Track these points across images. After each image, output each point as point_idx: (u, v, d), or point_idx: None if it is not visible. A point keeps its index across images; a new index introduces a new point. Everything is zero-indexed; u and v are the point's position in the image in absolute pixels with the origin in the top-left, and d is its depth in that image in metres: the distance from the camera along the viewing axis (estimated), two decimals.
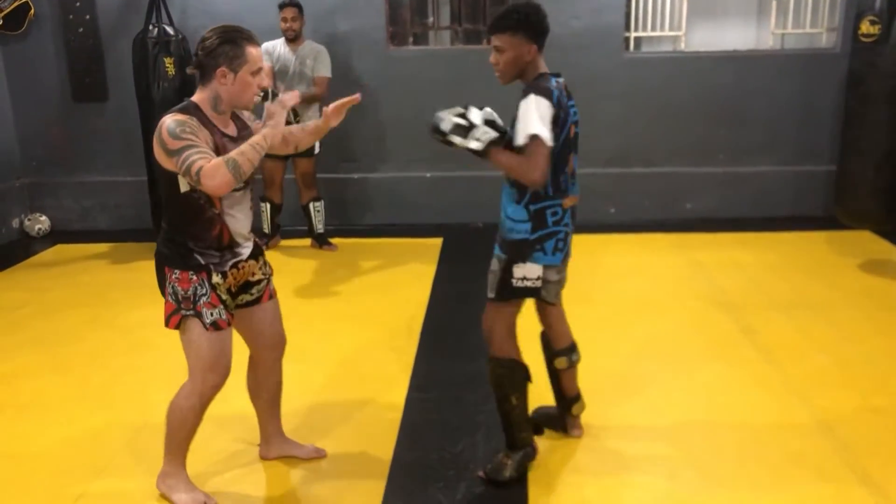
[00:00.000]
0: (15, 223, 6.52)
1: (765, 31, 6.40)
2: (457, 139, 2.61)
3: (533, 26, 2.66)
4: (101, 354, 4.10)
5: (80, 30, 6.25)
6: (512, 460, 2.84)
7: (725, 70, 6.24)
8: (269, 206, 5.86)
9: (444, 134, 2.63)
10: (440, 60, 6.32)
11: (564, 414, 3.15)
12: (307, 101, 5.50)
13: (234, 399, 3.14)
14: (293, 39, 5.61)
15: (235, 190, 2.58)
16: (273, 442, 3.07)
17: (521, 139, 2.56)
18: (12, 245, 6.31)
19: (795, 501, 2.73)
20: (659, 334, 4.20)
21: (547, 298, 2.85)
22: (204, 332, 2.59)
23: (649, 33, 6.41)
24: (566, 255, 2.82)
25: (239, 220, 2.66)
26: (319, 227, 5.93)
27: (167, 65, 5.56)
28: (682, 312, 4.49)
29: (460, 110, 2.64)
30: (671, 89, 6.28)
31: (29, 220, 6.56)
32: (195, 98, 2.56)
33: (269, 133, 2.51)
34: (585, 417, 3.31)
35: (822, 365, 3.76)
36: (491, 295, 2.82)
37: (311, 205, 5.86)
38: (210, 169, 2.36)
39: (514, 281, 2.75)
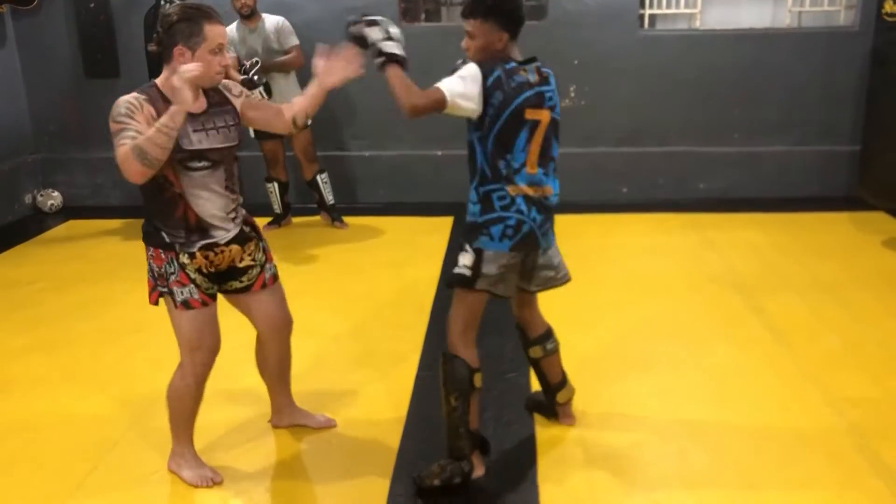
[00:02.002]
0: (27, 199, 6.54)
1: (781, 9, 6.30)
2: (375, 32, 2.56)
3: (506, 14, 2.56)
4: (113, 330, 4.12)
5: (92, 5, 6.23)
6: (443, 470, 2.68)
7: (741, 48, 6.16)
8: (276, 185, 5.84)
9: (366, 23, 2.57)
10: (452, 37, 6.23)
11: (552, 402, 3.07)
12: (279, 69, 5.42)
13: (245, 374, 3.16)
14: (249, 16, 5.42)
15: (196, 170, 2.52)
16: (284, 412, 3.10)
17: None
18: (25, 221, 6.34)
19: (806, 483, 2.72)
20: (671, 314, 4.18)
21: (493, 290, 2.66)
22: (177, 311, 2.61)
23: (664, 11, 6.32)
24: (522, 246, 2.66)
25: (206, 201, 2.57)
26: (330, 198, 5.89)
27: None
28: (695, 293, 4.46)
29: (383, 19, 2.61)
30: (686, 68, 6.20)
31: (41, 195, 6.58)
32: (158, 79, 2.54)
33: (175, 111, 2.35)
34: (596, 396, 3.31)
35: (835, 347, 3.74)
36: (450, 283, 2.72)
37: (317, 177, 5.81)
38: (121, 158, 2.35)
39: (454, 268, 2.66)
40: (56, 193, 6.62)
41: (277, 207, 5.92)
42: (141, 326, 4.05)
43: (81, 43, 6.34)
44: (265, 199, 5.88)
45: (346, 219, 5.97)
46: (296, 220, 6.07)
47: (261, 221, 5.77)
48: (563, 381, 3.05)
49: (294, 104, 2.75)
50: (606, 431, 3.07)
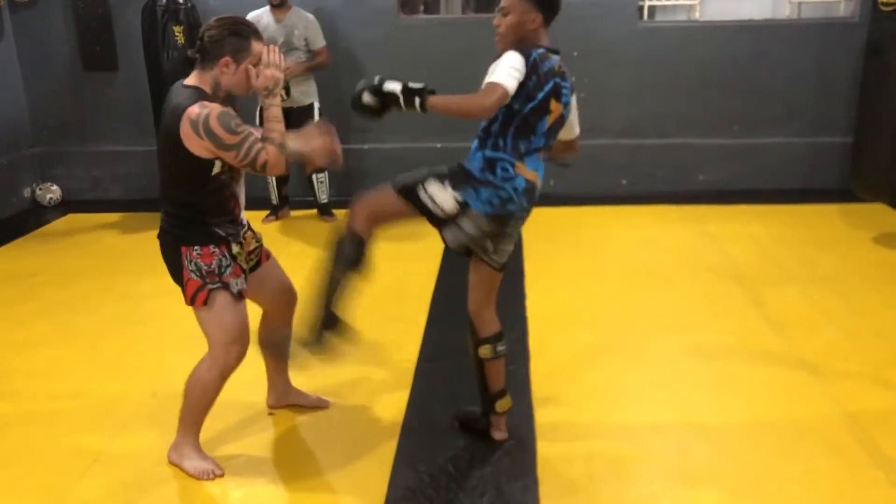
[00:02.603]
0: (26, 193, 6.54)
1: (781, 0, 6.29)
2: (392, 85, 2.48)
3: None
4: (113, 323, 4.13)
5: None
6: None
7: (740, 40, 6.15)
8: (274, 177, 5.84)
9: (375, 87, 2.49)
10: (451, 29, 6.26)
11: (489, 412, 2.93)
12: (304, 72, 5.43)
13: (243, 366, 3.16)
14: (278, 6, 5.43)
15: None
16: (280, 391, 3.18)
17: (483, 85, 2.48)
18: (24, 214, 6.34)
19: (804, 474, 2.73)
20: (670, 306, 4.18)
21: (446, 236, 2.65)
22: (230, 304, 2.65)
23: (664, 2, 6.31)
24: (498, 220, 2.61)
25: (242, 193, 2.77)
26: (323, 197, 5.90)
27: (176, 33, 5.51)
28: (693, 285, 4.47)
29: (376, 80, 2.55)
30: (685, 59, 6.19)
31: (40, 189, 6.57)
32: (196, 83, 2.59)
33: (272, 103, 2.61)
34: (594, 388, 3.32)
35: (833, 338, 3.75)
36: (397, 184, 2.68)
37: (313, 176, 5.82)
38: (273, 161, 2.54)
39: (421, 189, 2.61)
40: (55, 187, 6.61)
41: (275, 199, 5.93)
42: (141, 319, 4.06)
43: (79, 36, 6.32)
44: (263, 193, 5.88)
45: (343, 212, 5.94)
46: (294, 213, 6.07)
47: (259, 214, 5.83)
48: (504, 391, 2.91)
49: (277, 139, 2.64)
50: (605, 423, 3.08)
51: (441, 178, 2.62)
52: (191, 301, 2.66)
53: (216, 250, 2.63)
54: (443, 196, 2.60)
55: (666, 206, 5.99)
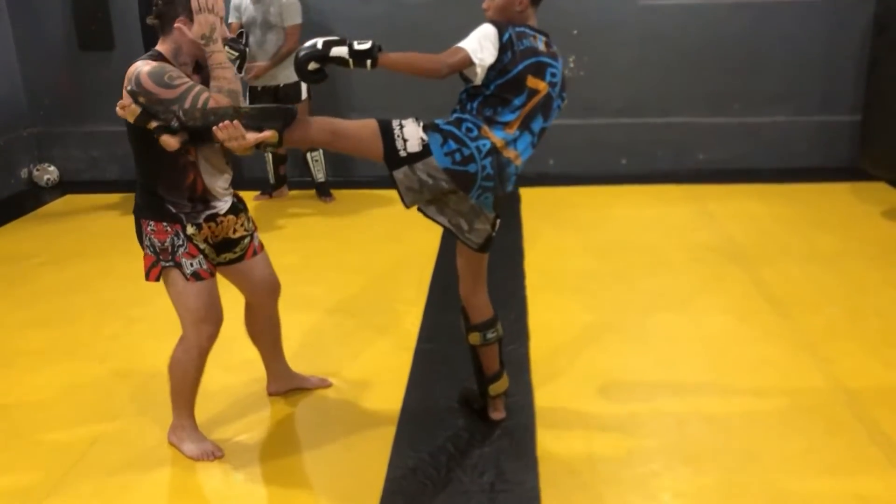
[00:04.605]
0: (23, 173, 6.51)
1: None
2: (338, 49, 2.39)
3: None
4: (111, 304, 4.12)
5: None
6: None
7: (742, 17, 6.09)
8: (271, 156, 5.81)
9: (320, 53, 2.38)
10: (452, 6, 6.18)
11: (484, 393, 2.93)
12: (280, 59, 5.38)
13: (242, 347, 3.16)
14: None
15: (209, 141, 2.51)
16: (279, 377, 3.15)
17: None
18: (21, 195, 6.31)
19: (805, 453, 2.73)
20: (670, 286, 4.18)
21: (400, 187, 2.51)
22: (187, 283, 2.59)
23: None
24: (455, 178, 2.48)
25: (213, 174, 2.61)
26: (320, 176, 5.87)
27: None
28: (694, 264, 4.45)
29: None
30: (686, 37, 6.14)
31: (37, 170, 6.55)
32: (159, 47, 2.52)
33: (212, 50, 2.44)
34: (594, 367, 3.31)
35: (834, 317, 3.74)
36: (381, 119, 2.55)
37: (308, 155, 5.78)
38: (222, 102, 2.38)
39: (397, 124, 2.51)
40: (52, 168, 6.58)
41: (272, 178, 5.92)
42: (140, 300, 4.05)
43: (75, 15, 6.27)
44: (261, 174, 5.86)
45: (343, 192, 5.95)
46: (292, 193, 6.05)
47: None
48: (499, 374, 2.90)
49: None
50: (605, 403, 3.08)
51: (419, 120, 2.56)
52: (146, 276, 2.63)
53: (169, 228, 2.56)
54: (411, 130, 2.50)
55: (666, 186, 5.97)
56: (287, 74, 5.40)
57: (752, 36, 6.11)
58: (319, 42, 2.42)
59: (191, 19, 2.44)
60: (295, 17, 5.46)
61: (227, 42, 2.54)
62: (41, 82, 6.50)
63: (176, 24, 2.46)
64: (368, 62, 2.41)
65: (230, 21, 5.43)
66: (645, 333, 3.64)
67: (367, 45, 2.41)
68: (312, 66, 2.43)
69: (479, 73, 2.50)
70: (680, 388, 3.17)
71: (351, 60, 2.40)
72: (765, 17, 6.08)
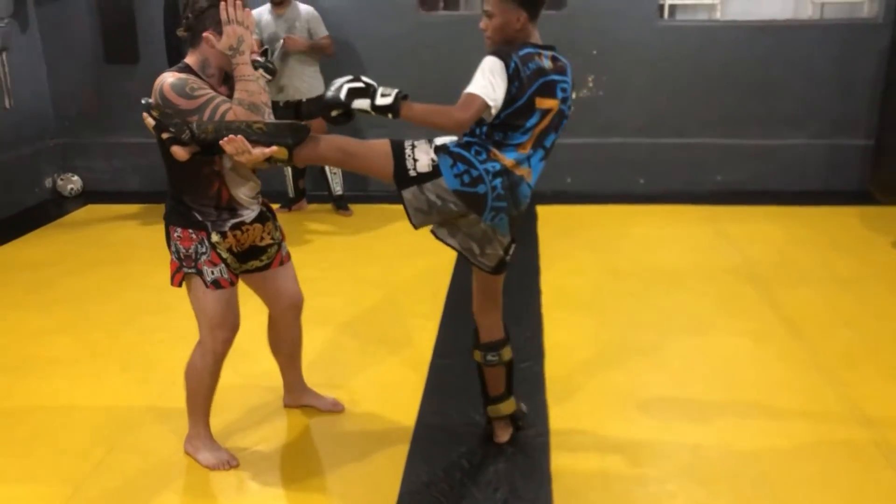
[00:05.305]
0: (48, 183, 6.60)
1: (804, 0, 6.25)
2: (361, 102, 2.44)
3: None
4: (130, 313, 4.17)
5: None
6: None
7: (761, 40, 6.11)
8: (290, 169, 5.88)
9: (343, 105, 2.43)
10: (471, 26, 6.21)
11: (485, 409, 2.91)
12: (311, 51, 5.46)
13: (260, 358, 3.19)
14: (279, 3, 5.46)
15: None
16: (295, 391, 3.17)
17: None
18: (45, 204, 6.40)
19: (820, 476, 2.72)
20: (685, 306, 4.17)
21: (407, 208, 2.53)
22: (206, 290, 2.63)
23: (684, 1, 6.29)
24: (464, 201, 2.48)
25: (240, 181, 2.65)
26: (338, 189, 5.94)
27: None
28: (709, 285, 4.45)
29: (349, 77, 2.50)
30: (705, 59, 6.16)
31: (62, 179, 6.64)
32: (187, 59, 2.57)
33: (237, 62, 2.47)
34: (610, 386, 3.32)
35: (850, 341, 3.72)
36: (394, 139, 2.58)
37: (326, 168, 5.84)
38: (241, 115, 2.41)
39: (409, 144, 2.52)
40: (76, 178, 6.67)
41: (291, 191, 5.98)
42: (159, 308, 4.09)
43: (102, 29, 6.38)
44: (280, 188, 5.92)
45: (360, 206, 6.00)
46: (311, 206, 6.10)
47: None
48: (502, 397, 2.85)
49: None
50: (619, 422, 3.08)
51: (431, 142, 2.57)
52: (171, 280, 2.68)
53: (194, 235, 2.60)
54: (423, 151, 2.51)
55: (683, 206, 5.97)
56: (308, 88, 5.47)
57: (769, 58, 6.12)
58: (343, 90, 2.45)
59: (219, 31, 2.48)
60: (324, 29, 5.56)
61: (259, 65, 2.58)
62: (68, 94, 6.61)
63: (204, 35, 2.50)
64: (390, 116, 2.45)
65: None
66: (660, 353, 3.64)
67: (389, 100, 2.44)
68: (336, 112, 2.48)
69: (494, 112, 2.48)
70: (695, 409, 3.16)
71: (372, 113, 2.45)
72: (782, 40, 6.10)
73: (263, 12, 5.49)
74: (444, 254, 4.83)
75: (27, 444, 2.99)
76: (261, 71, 2.55)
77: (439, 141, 2.57)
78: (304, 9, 5.55)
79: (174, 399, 3.09)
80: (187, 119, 2.42)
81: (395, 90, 2.46)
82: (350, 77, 2.49)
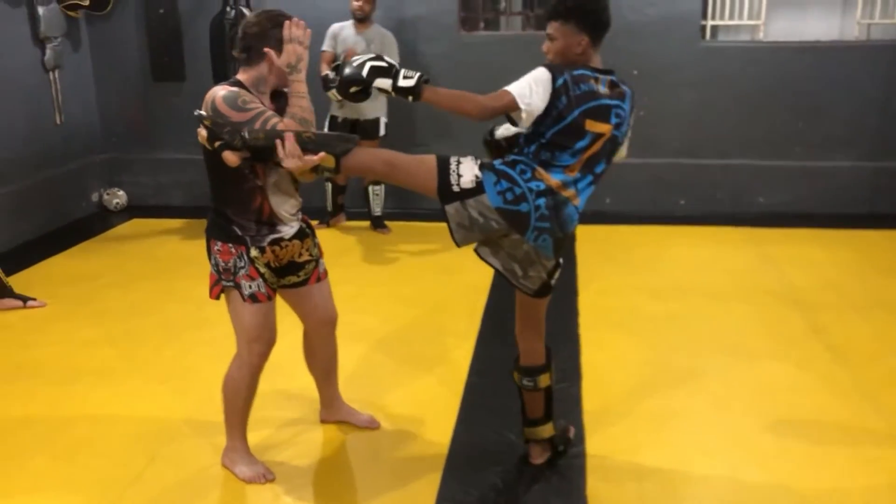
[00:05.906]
0: (94, 197, 6.76)
1: (850, 21, 6.17)
2: (382, 82, 2.43)
3: (586, 16, 2.51)
4: (173, 326, 4.24)
5: (161, 11, 6.42)
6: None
7: (805, 61, 6.04)
8: (331, 185, 5.95)
9: (364, 82, 2.43)
10: (511, 46, 6.27)
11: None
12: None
13: (298, 373, 3.22)
14: (361, 20, 5.56)
15: (279, 167, 2.57)
16: (332, 406, 3.19)
17: None
18: (91, 218, 6.55)
19: None
20: (726, 329, 4.12)
21: (450, 223, 2.50)
22: (244, 304, 2.67)
23: (727, 22, 6.25)
24: (506, 218, 2.47)
25: (282, 197, 2.69)
26: (377, 210, 5.99)
27: None
28: (751, 308, 4.39)
29: (371, 55, 2.50)
30: (747, 80, 6.11)
31: (107, 194, 6.79)
32: (239, 76, 2.63)
33: (293, 79, 2.55)
34: (648, 409, 3.28)
35: None
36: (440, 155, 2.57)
37: (370, 188, 5.90)
38: (291, 127, 2.45)
39: (454, 160, 2.51)
40: (121, 192, 6.82)
41: (330, 207, 6.06)
42: (201, 323, 4.15)
43: (150, 47, 6.54)
44: (320, 203, 5.99)
45: (399, 224, 6.03)
46: (348, 223, 6.15)
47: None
48: (539, 421, 2.83)
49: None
50: (657, 445, 3.04)
51: (477, 159, 2.57)
52: (210, 293, 2.73)
53: (233, 249, 2.64)
54: (468, 167, 2.51)
55: (724, 228, 5.90)
56: (369, 109, 5.54)
57: (814, 79, 6.05)
58: (366, 68, 2.46)
59: (279, 49, 2.55)
60: (396, 54, 5.57)
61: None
62: (115, 111, 6.77)
63: (265, 50, 2.55)
64: (410, 98, 2.46)
65: (324, 48, 5.54)
66: (699, 377, 3.59)
67: (412, 82, 2.44)
68: (354, 88, 2.50)
69: (525, 119, 2.47)
70: (734, 434, 3.11)
71: (393, 93, 2.46)
72: (826, 60, 6.02)
73: (346, 26, 5.59)
74: (481, 272, 4.84)
75: (71, 451, 3.05)
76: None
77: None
78: (383, 32, 5.65)
79: (212, 412, 3.13)
80: (239, 130, 2.47)
81: (418, 73, 2.48)
82: (372, 55, 2.52)
